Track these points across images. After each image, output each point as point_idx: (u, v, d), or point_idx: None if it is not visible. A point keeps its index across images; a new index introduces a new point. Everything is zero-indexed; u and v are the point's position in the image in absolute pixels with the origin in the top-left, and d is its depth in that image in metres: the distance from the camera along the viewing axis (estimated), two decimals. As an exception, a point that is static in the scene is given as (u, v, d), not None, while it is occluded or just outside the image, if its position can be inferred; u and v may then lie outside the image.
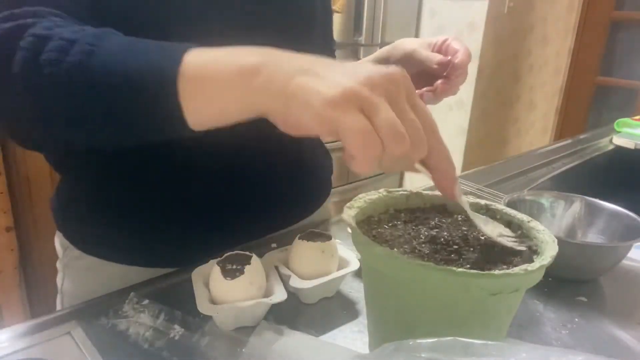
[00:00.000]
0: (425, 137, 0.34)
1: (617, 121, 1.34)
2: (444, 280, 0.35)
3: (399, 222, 0.47)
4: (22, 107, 0.41)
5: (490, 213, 0.48)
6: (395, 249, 0.40)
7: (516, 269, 0.35)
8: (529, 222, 0.45)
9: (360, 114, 0.32)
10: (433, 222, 0.47)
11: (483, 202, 0.48)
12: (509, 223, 0.47)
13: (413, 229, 0.45)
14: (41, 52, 0.39)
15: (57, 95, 0.39)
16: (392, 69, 0.34)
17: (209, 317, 0.49)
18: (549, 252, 0.39)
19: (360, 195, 0.47)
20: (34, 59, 0.39)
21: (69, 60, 0.38)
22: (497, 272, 0.36)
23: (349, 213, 0.43)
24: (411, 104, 0.34)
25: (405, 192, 0.49)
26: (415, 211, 0.49)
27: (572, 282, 0.61)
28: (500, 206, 0.48)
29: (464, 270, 0.35)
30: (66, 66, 0.38)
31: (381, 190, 0.48)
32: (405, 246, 0.41)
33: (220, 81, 0.36)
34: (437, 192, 0.50)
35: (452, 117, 2.60)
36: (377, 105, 0.32)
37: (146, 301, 0.51)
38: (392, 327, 0.42)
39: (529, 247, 0.42)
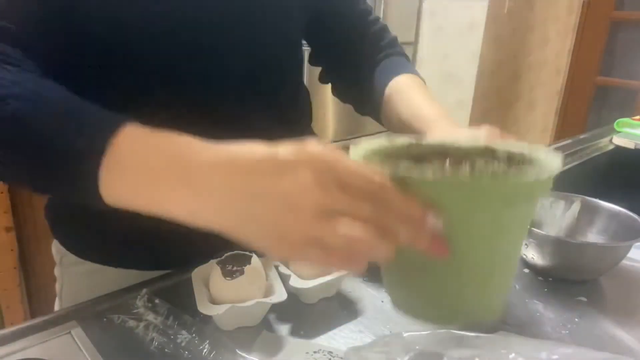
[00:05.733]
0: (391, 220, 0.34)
1: (617, 121, 1.33)
2: (459, 192, 0.36)
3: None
4: None
5: (490, 152, 0.47)
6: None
7: (528, 174, 0.37)
8: (529, 150, 0.45)
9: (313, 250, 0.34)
10: (437, 162, 0.47)
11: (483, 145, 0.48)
12: (510, 158, 0.46)
13: (419, 167, 0.45)
14: None
15: None
16: (304, 172, 0.34)
17: (209, 318, 0.49)
18: (554, 164, 0.40)
19: (360, 144, 0.46)
20: None
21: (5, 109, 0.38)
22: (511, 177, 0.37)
23: (357, 152, 0.43)
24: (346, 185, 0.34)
25: (406, 141, 0.48)
26: (417, 157, 0.48)
27: (572, 282, 0.61)
28: (501, 144, 0.47)
29: (479, 175, 0.36)
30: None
31: (381, 138, 0.47)
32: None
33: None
34: (438, 140, 0.49)
35: (452, 117, 2.59)
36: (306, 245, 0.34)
37: (157, 300, 0.51)
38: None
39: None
